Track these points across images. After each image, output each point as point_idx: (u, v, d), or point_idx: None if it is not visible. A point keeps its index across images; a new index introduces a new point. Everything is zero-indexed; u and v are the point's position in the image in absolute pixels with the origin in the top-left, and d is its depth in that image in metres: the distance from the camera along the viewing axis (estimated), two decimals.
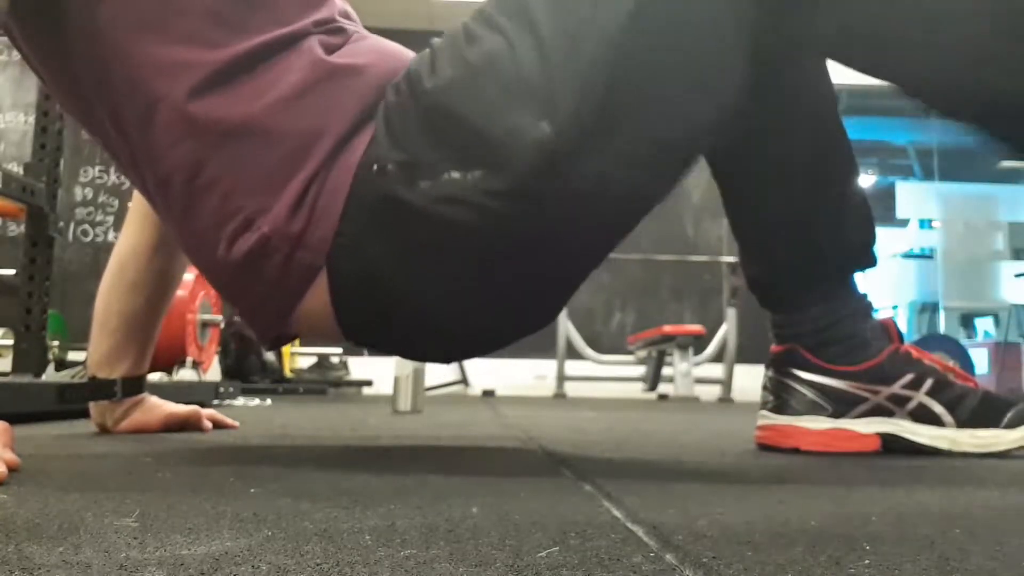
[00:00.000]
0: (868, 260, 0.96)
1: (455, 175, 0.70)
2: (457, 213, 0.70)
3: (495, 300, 0.77)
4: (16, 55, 5.11)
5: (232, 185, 0.73)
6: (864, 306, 0.97)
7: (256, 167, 0.73)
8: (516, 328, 0.82)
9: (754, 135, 0.89)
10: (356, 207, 0.72)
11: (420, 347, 0.87)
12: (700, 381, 4.27)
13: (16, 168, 1.99)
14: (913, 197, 7.26)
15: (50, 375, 1.96)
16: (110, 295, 1.05)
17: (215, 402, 2.00)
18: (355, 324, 0.78)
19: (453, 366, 4.85)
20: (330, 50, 0.76)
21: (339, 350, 4.26)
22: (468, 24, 0.74)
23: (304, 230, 0.72)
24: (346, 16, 0.82)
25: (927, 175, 7.46)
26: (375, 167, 0.72)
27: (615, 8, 0.68)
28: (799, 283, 0.96)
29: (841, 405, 0.94)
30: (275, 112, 0.72)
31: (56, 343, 3.16)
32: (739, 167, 0.94)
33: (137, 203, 1.06)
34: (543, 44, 0.69)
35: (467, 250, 0.72)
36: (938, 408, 0.93)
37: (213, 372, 3.03)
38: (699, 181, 5.16)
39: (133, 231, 1.06)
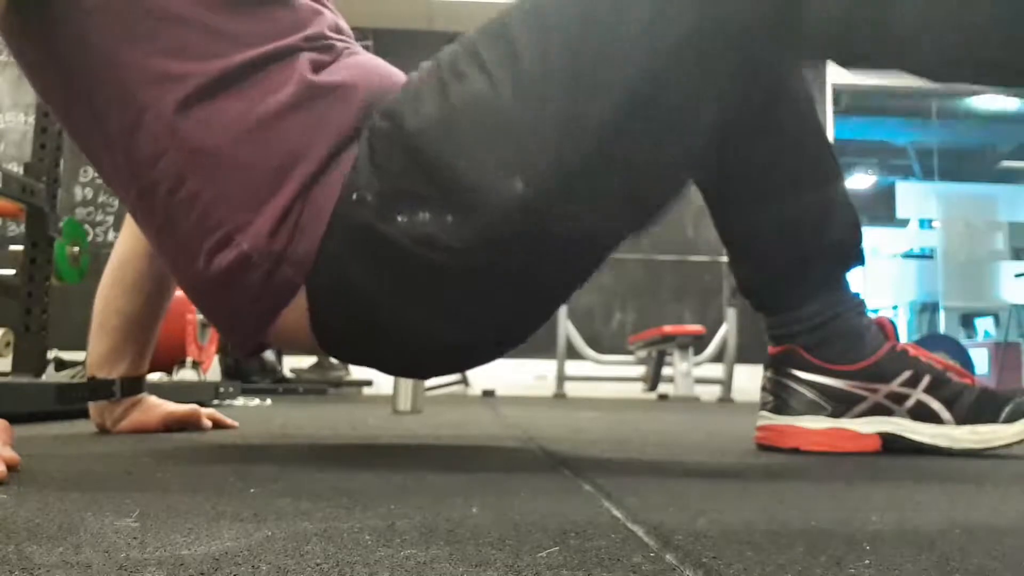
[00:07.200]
0: (856, 259, 0.96)
1: (428, 216, 0.70)
2: (429, 252, 0.70)
3: (469, 325, 0.78)
4: None
5: (213, 200, 0.73)
6: (857, 304, 0.97)
7: (238, 183, 0.72)
8: (492, 349, 0.83)
9: (736, 141, 0.89)
10: (338, 228, 0.72)
11: (397, 364, 0.88)
12: (700, 381, 4.27)
13: (16, 168, 1.99)
14: (913, 197, 7.26)
15: (50, 375, 1.96)
16: (110, 295, 1.05)
17: (215, 402, 2.00)
18: (332, 339, 0.79)
19: None
20: (318, 68, 0.76)
21: None
22: (456, 55, 0.73)
23: (287, 247, 0.72)
24: (337, 30, 0.82)
25: (927, 175, 7.47)
26: (355, 196, 0.71)
27: (612, 76, 0.67)
28: (790, 285, 0.97)
29: (840, 404, 0.94)
30: (260, 130, 0.72)
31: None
32: (722, 173, 0.94)
33: None
34: (525, 90, 0.69)
35: (439, 284, 0.73)
36: (936, 405, 0.93)
37: (213, 372, 3.03)
38: None
39: (133, 232, 1.06)
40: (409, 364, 0.87)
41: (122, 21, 0.73)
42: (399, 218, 0.70)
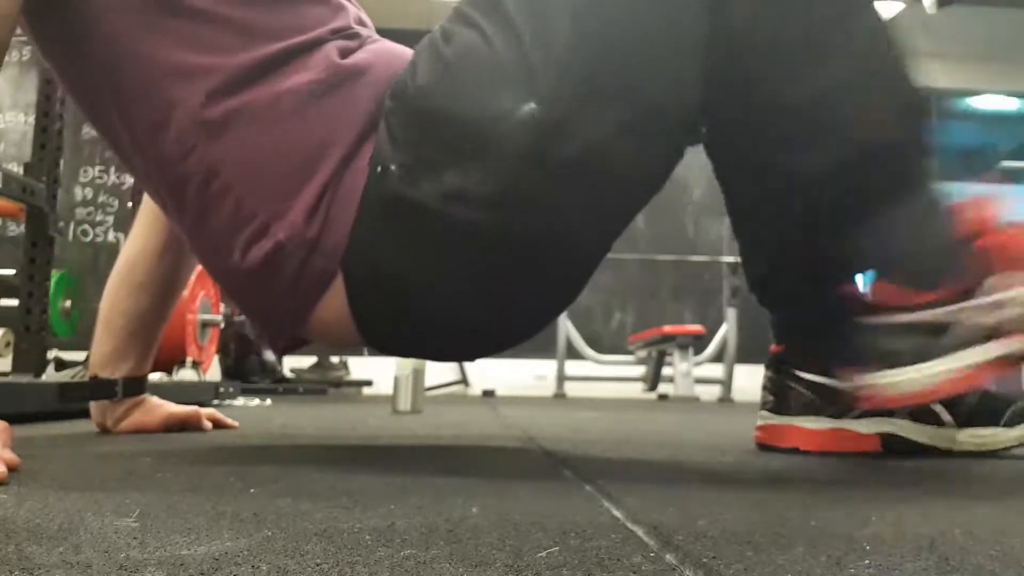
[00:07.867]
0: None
1: (453, 173, 0.70)
2: (461, 211, 0.70)
3: (508, 294, 0.77)
4: (16, 55, 5.11)
5: (246, 191, 0.73)
6: (864, 306, 0.96)
7: (271, 173, 0.73)
8: (531, 321, 0.82)
9: (755, 133, 0.88)
10: (367, 210, 0.73)
11: (438, 347, 0.88)
12: (700, 381, 4.27)
13: (16, 168, 1.99)
14: None
15: (50, 375, 1.96)
16: (116, 295, 1.05)
17: (215, 402, 2.00)
18: (372, 326, 0.78)
19: (453, 366, 4.85)
20: (345, 54, 0.77)
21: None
22: (444, 25, 0.75)
23: (319, 235, 0.73)
24: (360, 23, 0.83)
25: None
26: (379, 168, 0.72)
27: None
28: (799, 282, 0.96)
29: (841, 405, 0.94)
30: (290, 119, 0.73)
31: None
32: (739, 166, 0.93)
33: (147, 205, 1.06)
34: (516, 28, 0.70)
35: (476, 246, 0.73)
36: (937, 407, 0.93)
37: (213, 372, 3.03)
38: (699, 180, 5.16)
39: (143, 232, 1.06)
40: (449, 346, 0.87)
41: (144, 18, 0.74)
42: (424, 183, 0.71)
